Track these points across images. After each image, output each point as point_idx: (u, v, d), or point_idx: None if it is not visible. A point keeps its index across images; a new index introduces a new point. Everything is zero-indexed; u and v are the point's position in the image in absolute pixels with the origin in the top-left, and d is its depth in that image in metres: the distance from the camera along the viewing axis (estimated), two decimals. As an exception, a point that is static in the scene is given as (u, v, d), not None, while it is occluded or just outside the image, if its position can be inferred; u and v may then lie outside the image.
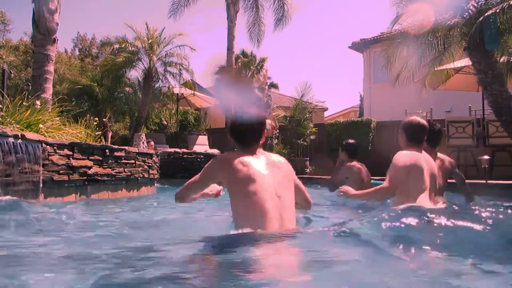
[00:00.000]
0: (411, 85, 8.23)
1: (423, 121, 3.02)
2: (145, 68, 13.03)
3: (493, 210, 2.98)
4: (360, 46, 15.98)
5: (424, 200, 2.80)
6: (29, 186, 3.56)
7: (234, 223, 2.06)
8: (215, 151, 9.97)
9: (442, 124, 8.87)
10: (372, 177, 4.72)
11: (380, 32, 14.54)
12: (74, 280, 1.50)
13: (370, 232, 2.05)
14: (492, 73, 6.29)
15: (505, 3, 5.87)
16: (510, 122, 6.32)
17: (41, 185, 3.69)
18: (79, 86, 13.71)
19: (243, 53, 19.58)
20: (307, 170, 9.98)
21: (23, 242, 2.07)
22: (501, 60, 6.92)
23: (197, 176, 2.19)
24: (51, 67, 6.43)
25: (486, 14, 5.80)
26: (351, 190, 3.10)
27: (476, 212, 2.69)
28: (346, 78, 68.94)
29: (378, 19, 56.14)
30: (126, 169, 5.07)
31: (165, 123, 16.16)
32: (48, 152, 3.81)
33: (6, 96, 4.53)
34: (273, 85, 20.95)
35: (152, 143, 9.91)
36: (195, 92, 14.11)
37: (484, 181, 6.06)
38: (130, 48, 12.91)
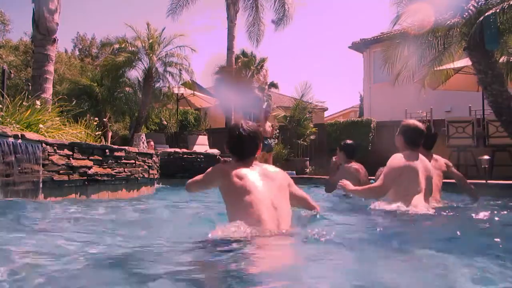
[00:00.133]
0: (411, 85, 8.23)
1: (422, 125, 3.11)
2: (145, 68, 13.03)
3: (487, 211, 3.02)
4: (360, 46, 15.98)
5: (419, 202, 2.87)
6: (29, 186, 3.56)
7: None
8: (215, 151, 9.97)
9: (442, 124, 8.90)
10: (371, 177, 4.72)
11: (380, 32, 14.56)
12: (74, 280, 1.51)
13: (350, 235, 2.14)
14: (492, 73, 6.29)
15: (505, 3, 5.87)
16: (510, 122, 6.32)
17: (41, 185, 3.69)
18: (79, 86, 13.71)
19: (243, 53, 19.58)
20: (307, 170, 9.98)
21: (18, 241, 2.07)
22: (501, 60, 6.92)
23: (200, 176, 2.38)
24: (51, 67, 6.43)
25: (486, 14, 5.80)
26: (349, 185, 3.24)
27: (469, 212, 2.74)
28: (346, 78, 69.04)
29: (378, 19, 56.22)
30: (126, 169, 5.07)
31: (165, 123, 16.16)
32: (48, 152, 3.81)
33: (6, 96, 4.53)
34: (273, 85, 20.94)
35: (152, 143, 9.91)
36: (195, 92, 14.12)
37: (484, 181, 6.06)
38: (130, 48, 12.91)
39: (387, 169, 2.99)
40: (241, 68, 18.67)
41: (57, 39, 6.52)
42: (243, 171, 2.19)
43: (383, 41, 9.89)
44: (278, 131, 10.90)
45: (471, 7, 6.24)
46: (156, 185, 6.30)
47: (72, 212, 3.23)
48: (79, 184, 4.22)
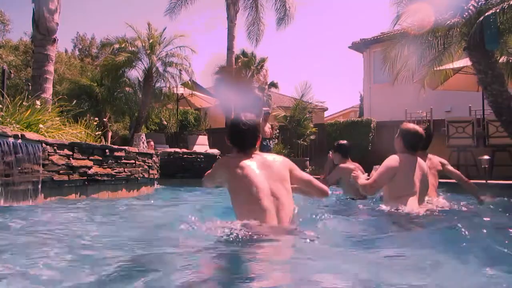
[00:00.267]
0: (411, 85, 8.23)
1: (421, 130, 3.18)
2: (145, 68, 13.03)
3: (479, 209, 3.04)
4: (360, 46, 15.97)
5: (413, 203, 2.94)
6: (29, 186, 3.56)
7: (238, 216, 2.22)
8: (215, 151, 9.97)
9: (442, 124, 8.90)
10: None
11: (380, 32, 14.55)
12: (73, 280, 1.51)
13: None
14: (492, 73, 6.29)
15: (505, 3, 5.87)
16: (510, 122, 6.32)
17: (41, 185, 3.69)
18: (79, 86, 13.70)
19: (243, 53, 19.57)
20: (307, 170, 9.97)
21: (16, 244, 2.07)
22: (501, 60, 6.92)
23: (209, 171, 2.49)
24: (51, 67, 6.42)
25: (486, 14, 5.80)
26: (360, 178, 3.28)
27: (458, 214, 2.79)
28: (346, 78, 68.99)
29: (378, 19, 56.23)
30: (126, 169, 5.07)
31: (165, 123, 16.15)
32: (48, 152, 3.81)
33: (6, 96, 4.53)
34: (273, 85, 20.92)
35: (152, 143, 9.91)
36: (195, 92, 14.11)
37: (484, 181, 6.06)
38: (130, 48, 12.90)
39: (381, 169, 3.08)
40: (241, 68, 18.66)
41: (57, 39, 6.51)
42: (244, 161, 2.29)
43: (383, 41, 9.87)
44: (278, 131, 10.90)
45: (471, 7, 6.24)
46: (156, 186, 6.29)
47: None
48: (79, 184, 4.22)
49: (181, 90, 13.65)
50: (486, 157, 6.41)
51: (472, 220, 2.82)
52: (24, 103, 4.41)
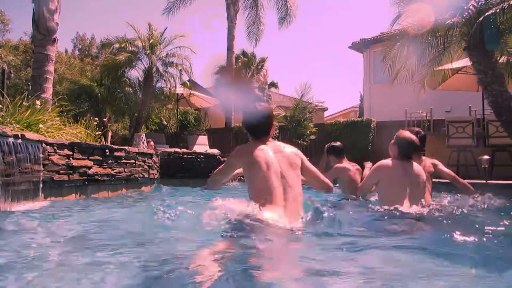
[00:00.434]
0: (411, 85, 8.22)
1: (415, 138, 3.32)
2: (145, 68, 13.01)
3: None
4: (360, 46, 15.97)
5: (404, 206, 3.02)
6: (29, 186, 3.56)
7: (249, 198, 2.38)
8: (215, 151, 9.96)
9: (442, 124, 8.89)
10: None
11: (380, 32, 14.54)
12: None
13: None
14: (492, 73, 6.29)
15: (505, 3, 5.86)
16: (510, 122, 6.32)
17: (41, 185, 3.69)
18: (79, 86, 13.69)
19: (243, 53, 19.57)
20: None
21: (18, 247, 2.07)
22: (501, 60, 6.91)
23: (220, 167, 2.60)
24: (51, 67, 6.43)
25: (486, 14, 5.79)
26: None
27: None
28: (346, 78, 68.99)
29: (378, 19, 56.22)
30: (126, 169, 5.07)
31: (165, 123, 16.15)
32: (48, 152, 3.81)
33: (6, 96, 4.53)
34: (273, 85, 20.93)
35: (152, 143, 9.90)
36: (195, 92, 14.10)
37: (484, 181, 6.06)
38: (130, 47, 12.88)
39: (370, 172, 3.31)
40: (241, 68, 18.67)
41: (57, 39, 6.52)
42: (260, 147, 2.46)
43: (383, 41, 9.87)
44: (278, 131, 10.90)
45: (471, 7, 6.23)
46: (153, 186, 6.28)
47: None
48: (79, 184, 4.22)
49: (181, 90, 13.64)
50: (486, 157, 6.41)
51: (463, 222, 2.86)
52: (24, 103, 4.42)
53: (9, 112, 4.11)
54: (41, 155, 3.66)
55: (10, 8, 32.29)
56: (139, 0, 54.54)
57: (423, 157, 4.01)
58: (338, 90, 60.13)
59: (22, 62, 16.58)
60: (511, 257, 1.88)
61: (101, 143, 5.23)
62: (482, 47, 6.13)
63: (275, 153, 2.46)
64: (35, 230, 2.49)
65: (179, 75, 13.36)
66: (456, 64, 8.09)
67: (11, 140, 3.31)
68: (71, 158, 4.10)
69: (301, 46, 68.69)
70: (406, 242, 2.23)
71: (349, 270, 1.67)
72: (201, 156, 8.28)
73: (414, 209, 3.01)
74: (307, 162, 2.64)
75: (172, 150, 9.04)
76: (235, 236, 1.98)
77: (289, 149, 2.57)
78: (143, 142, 8.28)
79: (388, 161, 3.24)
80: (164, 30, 13.44)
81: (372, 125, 11.10)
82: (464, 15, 6.30)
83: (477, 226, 2.63)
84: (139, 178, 5.44)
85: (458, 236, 2.05)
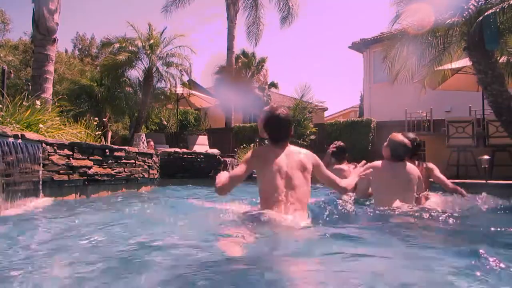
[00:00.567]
0: (411, 85, 8.22)
1: (408, 142, 3.42)
2: (145, 68, 13.01)
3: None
4: (360, 46, 15.96)
5: (395, 206, 3.12)
6: (29, 186, 3.56)
7: (259, 195, 2.52)
8: (215, 151, 9.95)
9: (442, 124, 8.89)
10: None
11: (380, 32, 14.54)
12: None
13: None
14: (492, 73, 6.29)
15: (505, 3, 5.86)
16: (510, 122, 6.32)
17: (41, 185, 3.69)
18: (79, 86, 13.69)
19: (243, 53, 19.56)
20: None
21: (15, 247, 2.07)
22: (501, 60, 6.91)
23: (235, 170, 2.57)
24: (51, 67, 6.43)
25: (486, 14, 5.79)
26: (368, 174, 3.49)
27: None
28: (346, 78, 69.06)
29: (378, 19, 56.24)
30: (126, 169, 5.07)
31: (165, 123, 16.15)
32: (48, 152, 3.81)
33: (6, 96, 4.53)
34: (273, 85, 20.92)
35: (152, 143, 9.90)
36: (195, 92, 14.10)
37: (484, 181, 6.06)
38: (130, 47, 12.88)
39: (361, 173, 3.33)
40: (241, 68, 18.67)
41: (57, 39, 6.52)
42: (275, 150, 2.53)
43: (383, 41, 9.86)
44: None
45: (471, 7, 6.23)
46: (152, 187, 6.28)
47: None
48: (79, 184, 4.22)
49: (181, 90, 13.63)
50: (486, 157, 6.40)
51: (451, 221, 2.88)
52: (24, 103, 4.41)
53: (9, 112, 4.11)
54: (41, 155, 3.66)
55: (10, 8, 32.27)
56: (139, 0, 54.56)
57: (416, 162, 4.00)
58: (338, 90, 60.23)
59: (22, 62, 16.58)
60: (511, 257, 1.88)
61: (101, 143, 5.23)
62: (482, 47, 6.13)
63: (287, 156, 2.52)
64: (35, 230, 2.49)
65: (179, 75, 13.37)
66: (456, 64, 8.09)
67: (11, 140, 3.31)
68: (71, 158, 4.09)
69: (301, 46, 68.73)
70: (400, 241, 2.24)
71: (349, 269, 1.67)
72: (201, 156, 8.28)
73: (405, 208, 3.04)
74: (323, 168, 2.70)
75: (172, 150, 9.03)
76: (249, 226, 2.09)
77: (301, 153, 2.61)
78: (143, 142, 8.28)
79: (378, 162, 3.37)
80: (164, 30, 13.46)
81: (372, 125, 11.10)
82: (464, 15, 6.30)
83: (476, 226, 2.63)
84: (139, 178, 5.44)
85: (451, 237, 2.05)
